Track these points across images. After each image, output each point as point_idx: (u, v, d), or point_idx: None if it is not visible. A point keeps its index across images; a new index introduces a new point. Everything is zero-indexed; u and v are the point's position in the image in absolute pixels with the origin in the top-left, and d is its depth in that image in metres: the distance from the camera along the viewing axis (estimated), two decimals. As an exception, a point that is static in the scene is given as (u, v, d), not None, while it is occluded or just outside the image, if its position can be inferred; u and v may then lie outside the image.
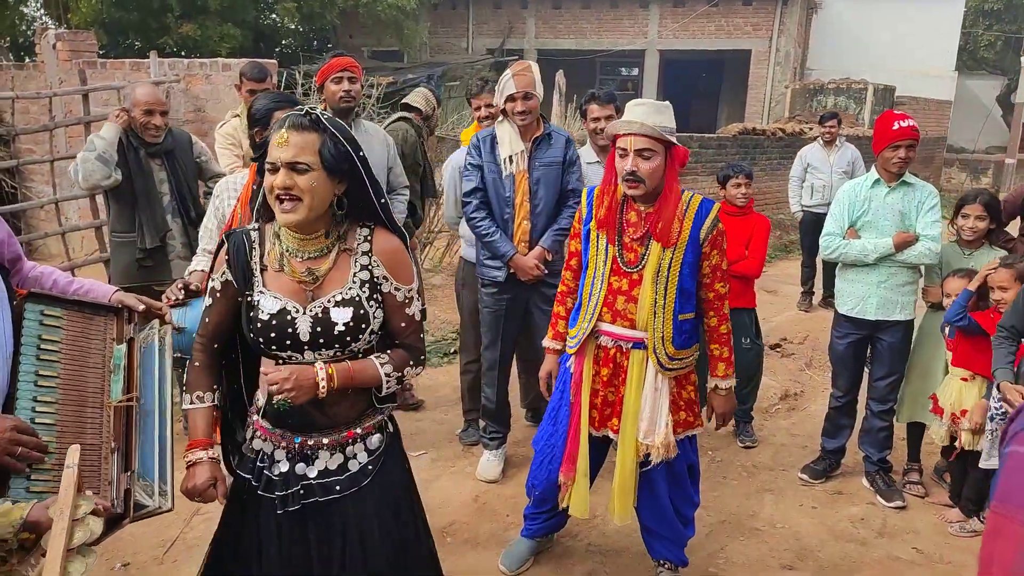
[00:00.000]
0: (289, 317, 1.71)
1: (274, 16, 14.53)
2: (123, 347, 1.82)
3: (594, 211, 2.60)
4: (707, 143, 9.91)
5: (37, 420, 1.61)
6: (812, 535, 3.29)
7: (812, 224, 6.66)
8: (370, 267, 1.78)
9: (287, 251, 1.75)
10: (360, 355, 1.80)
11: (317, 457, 1.80)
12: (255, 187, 2.02)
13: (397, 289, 1.80)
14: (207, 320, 1.82)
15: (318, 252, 1.75)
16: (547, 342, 2.85)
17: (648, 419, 2.53)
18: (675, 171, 2.48)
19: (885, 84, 14.74)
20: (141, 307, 1.93)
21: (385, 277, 1.78)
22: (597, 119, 3.72)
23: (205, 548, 1.95)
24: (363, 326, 1.75)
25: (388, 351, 1.84)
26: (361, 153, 1.72)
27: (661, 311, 2.49)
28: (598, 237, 2.59)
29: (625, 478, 2.59)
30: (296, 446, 1.79)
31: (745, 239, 4.06)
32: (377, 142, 3.67)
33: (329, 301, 1.73)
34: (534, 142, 3.40)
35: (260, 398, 1.84)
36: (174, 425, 1.80)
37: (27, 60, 11.33)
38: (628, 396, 2.56)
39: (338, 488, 1.79)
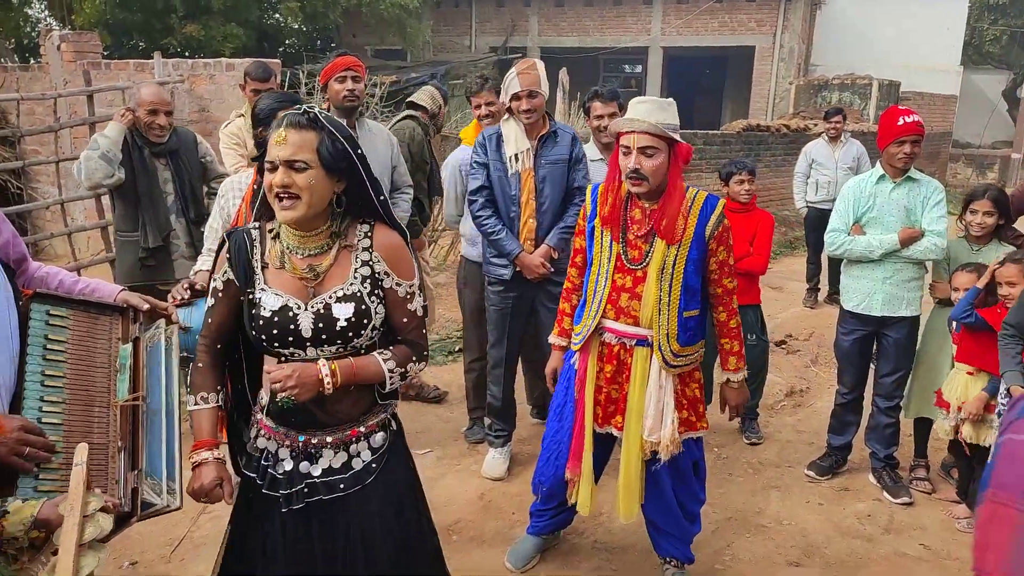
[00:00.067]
0: (291, 313, 1.72)
1: (277, 16, 14.54)
2: (128, 347, 1.83)
3: (598, 208, 2.59)
4: (711, 140, 9.88)
5: (44, 420, 1.62)
6: (818, 532, 3.28)
7: (817, 220, 6.64)
8: (371, 263, 1.78)
9: (288, 248, 1.76)
10: (362, 351, 1.80)
11: (321, 455, 1.80)
12: (255, 187, 2.03)
13: (398, 284, 1.80)
14: (210, 320, 1.83)
15: (319, 249, 1.76)
16: (553, 339, 2.86)
17: (652, 416, 2.52)
18: (679, 168, 2.47)
19: (890, 79, 14.67)
20: (146, 307, 1.93)
21: (386, 272, 1.79)
22: (600, 116, 3.71)
23: (212, 547, 1.96)
24: (365, 321, 1.75)
25: (390, 347, 1.84)
26: (359, 151, 1.72)
27: (666, 308, 2.49)
28: (602, 234, 2.59)
29: (630, 475, 2.59)
30: (300, 444, 1.79)
31: (749, 236, 4.06)
32: (381, 141, 3.67)
33: (331, 297, 1.73)
34: (540, 140, 3.40)
35: (264, 397, 1.85)
36: (182, 424, 1.81)
37: (32, 61, 11.39)
38: (632, 393, 2.56)
39: (342, 486, 1.80)
